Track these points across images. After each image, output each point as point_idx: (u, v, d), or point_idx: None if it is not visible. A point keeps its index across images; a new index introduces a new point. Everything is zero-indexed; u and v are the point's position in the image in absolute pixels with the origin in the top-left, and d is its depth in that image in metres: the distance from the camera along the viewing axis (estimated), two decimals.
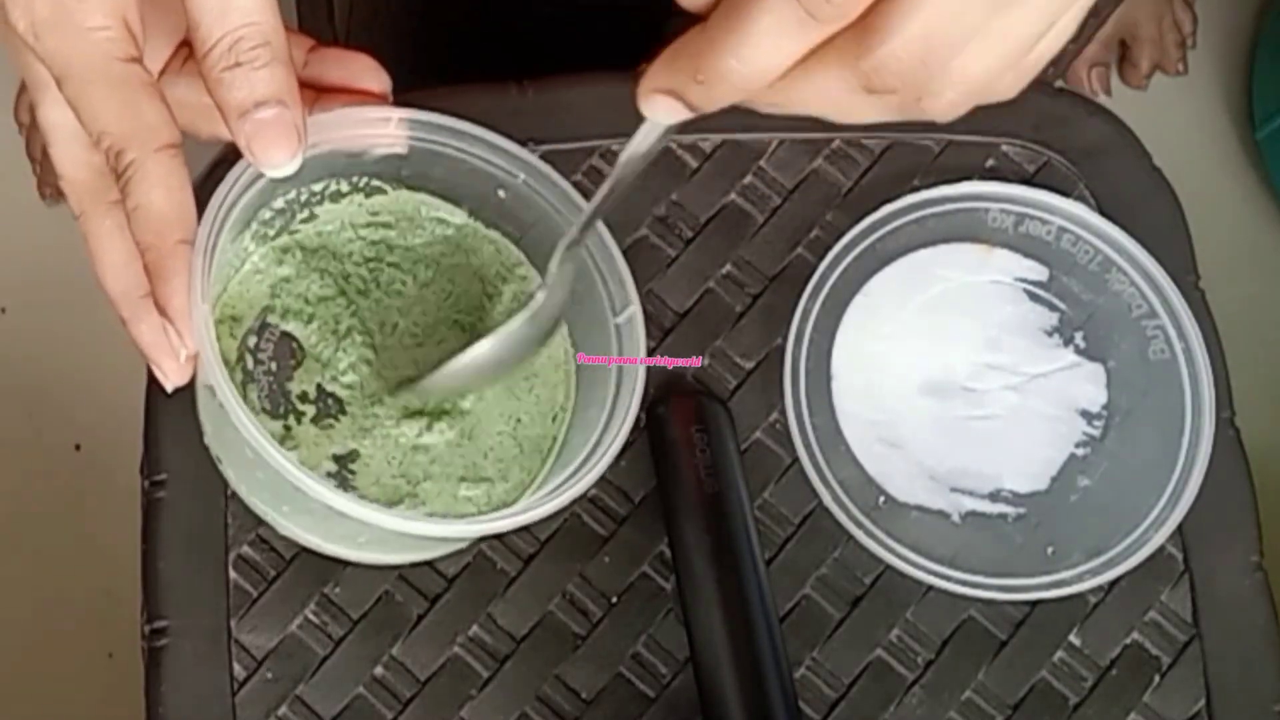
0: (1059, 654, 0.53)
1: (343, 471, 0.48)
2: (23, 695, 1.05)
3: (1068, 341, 0.57)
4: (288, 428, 0.48)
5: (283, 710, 0.51)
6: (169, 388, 0.42)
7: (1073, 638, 0.54)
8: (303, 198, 0.49)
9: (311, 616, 0.51)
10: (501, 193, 0.49)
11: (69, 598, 1.06)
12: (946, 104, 0.32)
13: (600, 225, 0.47)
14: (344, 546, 0.50)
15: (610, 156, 0.57)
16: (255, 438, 0.41)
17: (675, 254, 0.56)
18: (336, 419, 0.49)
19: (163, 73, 0.43)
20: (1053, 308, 0.57)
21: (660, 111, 0.33)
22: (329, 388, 0.49)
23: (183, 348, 0.41)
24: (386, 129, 0.46)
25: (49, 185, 1.11)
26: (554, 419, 0.50)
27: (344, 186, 0.50)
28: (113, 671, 1.04)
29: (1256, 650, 0.54)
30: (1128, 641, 0.54)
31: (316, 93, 0.45)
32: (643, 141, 0.37)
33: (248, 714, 0.50)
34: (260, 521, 0.52)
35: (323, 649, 0.51)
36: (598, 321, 0.48)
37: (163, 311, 0.40)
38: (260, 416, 0.48)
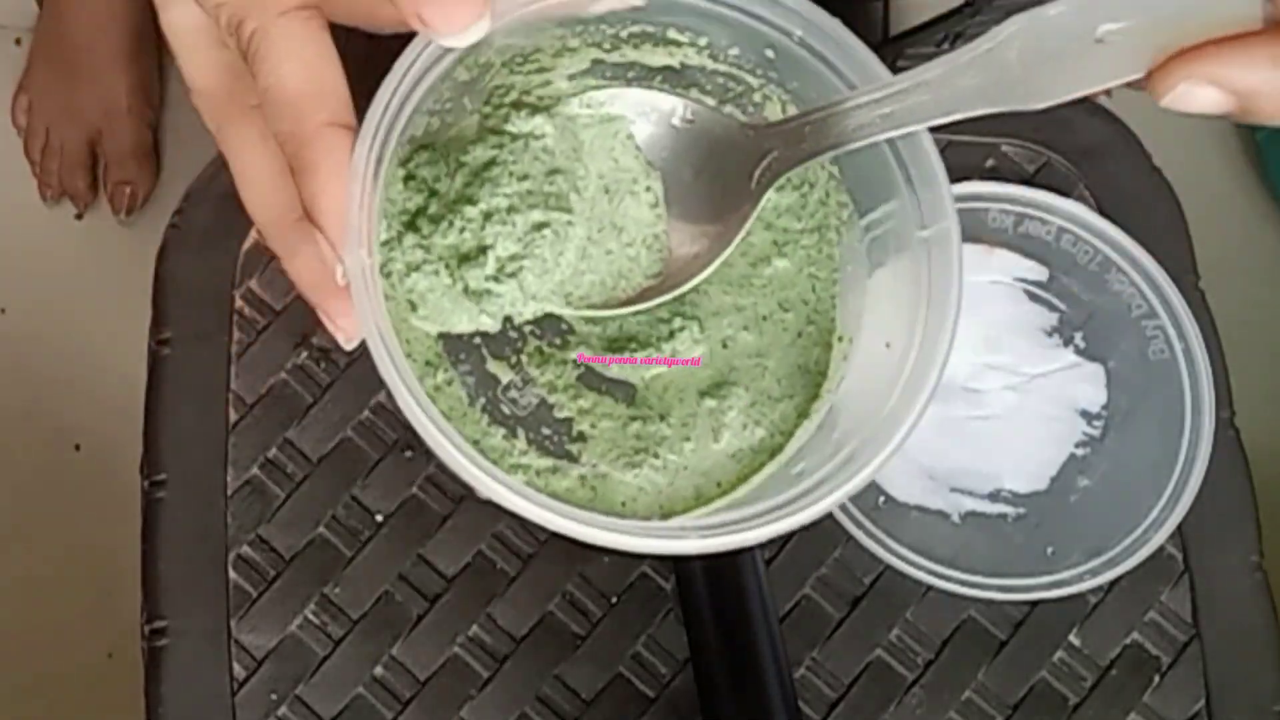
0: (1059, 654, 0.53)
1: (561, 438, 0.40)
2: (23, 695, 1.05)
3: (1068, 341, 0.56)
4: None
5: (283, 710, 0.51)
6: (346, 345, 0.33)
7: (1073, 638, 0.54)
8: (490, 83, 0.39)
9: (311, 616, 0.51)
10: (770, 52, 0.38)
11: (69, 598, 1.06)
12: None
13: None
14: None
15: None
16: (416, 415, 0.32)
17: None
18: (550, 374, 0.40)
19: None
20: (1053, 308, 0.57)
21: (1203, 103, 0.29)
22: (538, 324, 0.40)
23: (339, 264, 0.31)
24: None
25: (49, 186, 1.11)
26: (832, 343, 0.41)
27: (549, 60, 0.39)
28: (113, 671, 1.04)
29: (1256, 650, 0.54)
30: (1128, 641, 0.54)
31: None
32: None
33: (248, 714, 0.50)
34: (260, 521, 0.52)
35: (323, 649, 0.51)
36: (897, 235, 0.38)
37: (311, 217, 0.31)
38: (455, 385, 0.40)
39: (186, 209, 0.55)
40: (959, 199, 0.55)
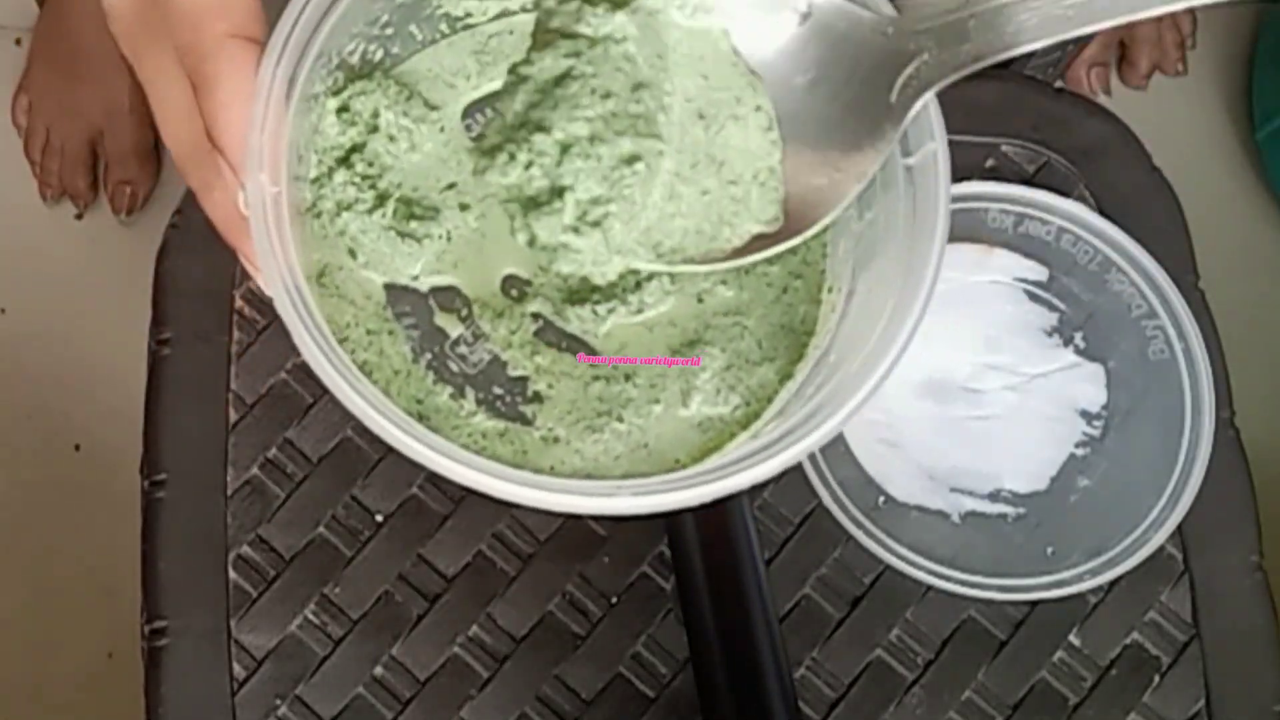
0: (1059, 654, 0.53)
1: (515, 399, 0.36)
2: (23, 695, 1.05)
3: (1068, 341, 0.56)
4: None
5: (283, 710, 0.51)
6: (268, 290, 0.30)
7: (1073, 638, 0.54)
8: (437, 9, 0.35)
9: (311, 616, 0.52)
10: None
11: (69, 598, 1.06)
12: None
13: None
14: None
15: None
16: (321, 366, 0.28)
17: None
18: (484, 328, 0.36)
19: None
20: (1052, 308, 0.57)
21: None
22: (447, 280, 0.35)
23: (240, 191, 0.29)
24: None
25: (49, 186, 1.11)
26: (821, 297, 0.36)
27: None
28: (113, 671, 1.04)
29: (1256, 650, 0.54)
30: (1128, 641, 0.54)
31: None
32: None
33: (248, 714, 0.50)
34: (260, 521, 0.52)
35: (323, 649, 0.51)
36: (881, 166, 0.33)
37: (210, 139, 0.29)
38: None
39: (186, 209, 0.55)
40: (959, 199, 0.56)
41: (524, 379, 0.35)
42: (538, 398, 0.35)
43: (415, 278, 0.35)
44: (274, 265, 0.28)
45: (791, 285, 0.37)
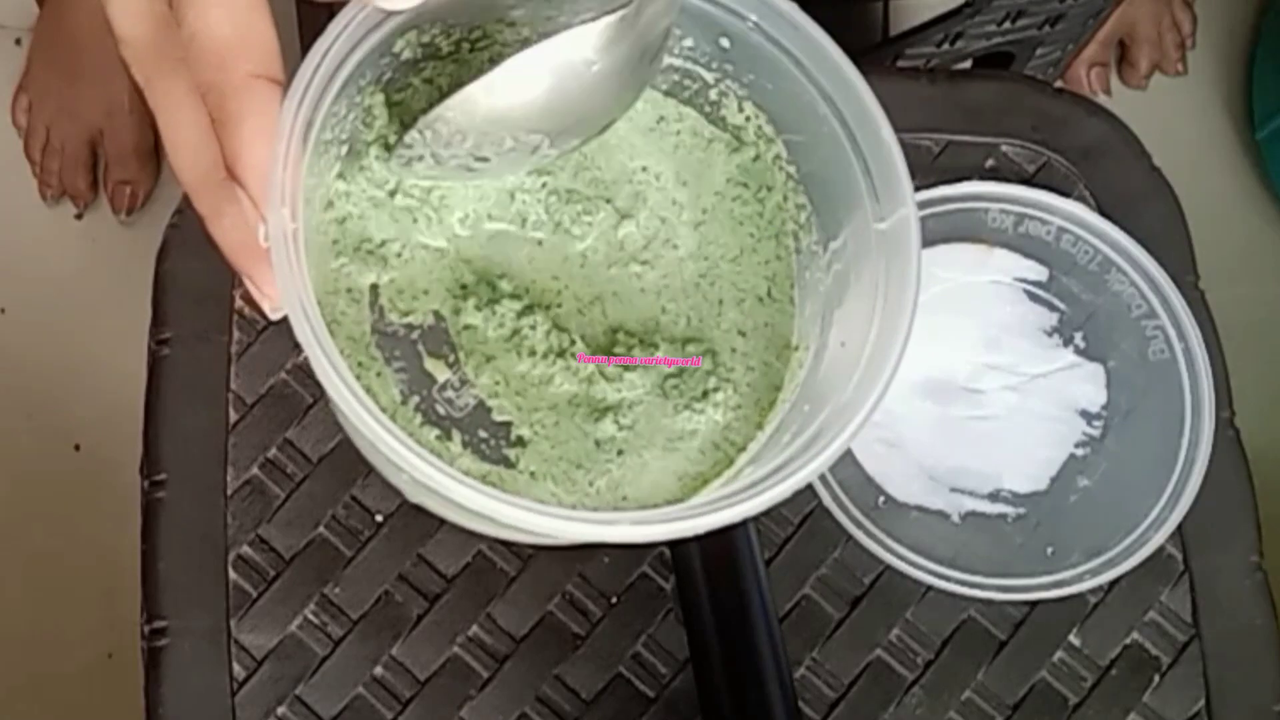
0: (1059, 654, 0.53)
1: (499, 443, 0.37)
2: (23, 695, 1.05)
3: (1068, 341, 0.56)
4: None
5: (283, 710, 0.51)
6: (272, 314, 0.31)
7: (1073, 638, 0.54)
8: (436, 74, 0.37)
9: (311, 616, 0.52)
10: (725, 41, 0.37)
11: (69, 598, 1.06)
12: None
13: (867, 95, 0.35)
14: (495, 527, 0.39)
15: None
16: (337, 387, 0.29)
17: None
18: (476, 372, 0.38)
19: None
20: (1053, 308, 0.57)
21: None
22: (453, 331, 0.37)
23: (260, 224, 0.29)
24: None
25: (49, 185, 1.11)
26: (788, 355, 0.39)
27: (499, 50, 0.37)
28: (113, 671, 1.04)
29: (1256, 650, 0.54)
30: (1128, 641, 0.54)
31: None
32: None
33: (248, 714, 0.50)
34: (260, 521, 0.52)
35: (323, 649, 0.51)
36: (852, 226, 0.36)
37: (232, 173, 0.30)
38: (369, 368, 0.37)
39: (186, 209, 0.55)
40: (959, 199, 0.56)
41: (508, 423, 0.37)
42: (521, 441, 0.37)
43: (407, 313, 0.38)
44: (294, 296, 0.29)
45: (759, 337, 0.39)
